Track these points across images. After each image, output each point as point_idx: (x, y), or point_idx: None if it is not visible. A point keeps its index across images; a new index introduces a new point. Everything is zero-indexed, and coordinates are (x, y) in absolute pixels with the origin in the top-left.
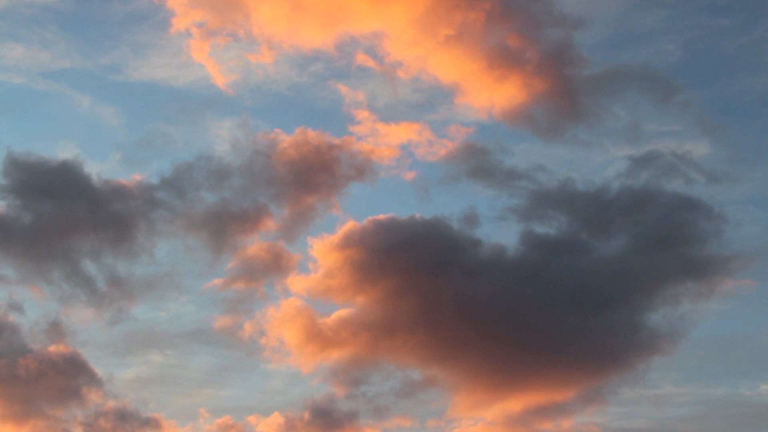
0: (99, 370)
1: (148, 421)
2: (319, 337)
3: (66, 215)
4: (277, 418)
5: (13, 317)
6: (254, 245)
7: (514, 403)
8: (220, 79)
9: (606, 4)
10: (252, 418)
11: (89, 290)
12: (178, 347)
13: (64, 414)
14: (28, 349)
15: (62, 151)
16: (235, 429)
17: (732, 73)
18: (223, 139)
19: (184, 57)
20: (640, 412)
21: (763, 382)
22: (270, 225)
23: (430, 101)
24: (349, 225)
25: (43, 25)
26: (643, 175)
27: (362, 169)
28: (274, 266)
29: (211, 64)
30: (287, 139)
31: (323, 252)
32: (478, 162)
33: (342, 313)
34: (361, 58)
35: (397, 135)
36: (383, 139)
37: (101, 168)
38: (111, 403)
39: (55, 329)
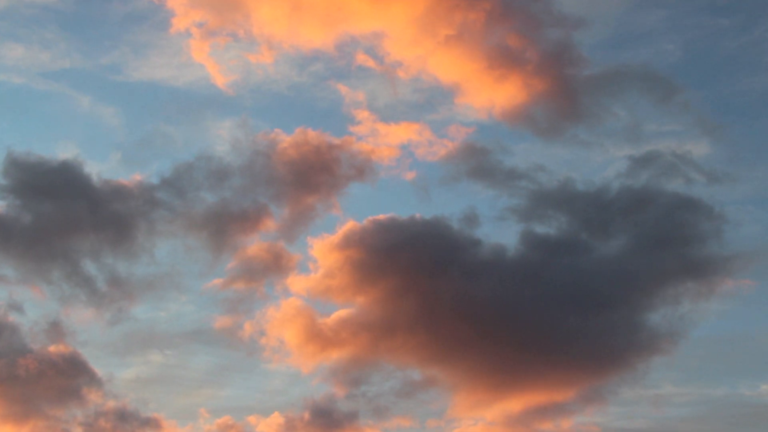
0: (99, 370)
1: (148, 421)
2: (319, 337)
3: (66, 215)
4: (277, 418)
5: (13, 317)
6: (254, 245)
7: (514, 403)
8: (220, 79)
9: (606, 4)
10: (252, 418)
11: (89, 290)
12: (178, 347)
13: (64, 414)
14: (28, 349)
15: (62, 151)
16: (235, 429)
17: (732, 73)
18: (223, 139)
19: (184, 57)
20: (640, 412)
21: (763, 382)
22: (270, 225)
23: (430, 101)
24: (349, 225)
25: (43, 25)
26: (643, 175)
27: (362, 169)
28: (274, 266)
29: (211, 64)
30: (287, 139)
31: (323, 252)
32: (478, 162)
33: (342, 313)
34: (361, 58)
35: (397, 135)
36: (383, 139)
37: (101, 168)
38: (111, 403)
39: (55, 329)
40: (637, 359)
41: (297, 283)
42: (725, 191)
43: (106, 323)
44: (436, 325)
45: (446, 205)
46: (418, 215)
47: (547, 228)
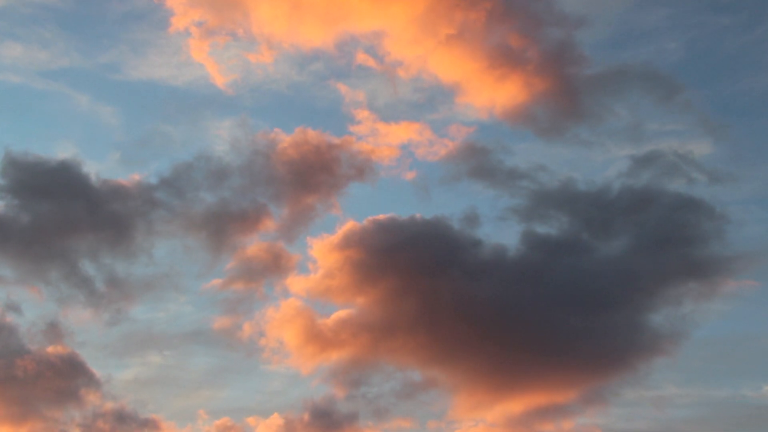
0: (97, 371)
1: (147, 423)
2: (318, 338)
3: (64, 215)
4: (276, 420)
5: (10, 318)
6: (253, 245)
7: (515, 405)
8: (220, 78)
9: (607, 3)
10: (251, 420)
11: (87, 291)
12: (176, 348)
13: (62, 415)
14: (26, 350)
15: (61, 151)
16: (234, 430)
17: (734, 73)
18: (222, 138)
19: (183, 56)
20: (641, 414)
21: (765, 383)
22: (269, 225)
23: (430, 101)
24: (349, 225)
25: (42, 24)
26: (644, 174)
27: (362, 169)
28: (274, 266)
29: (210, 64)
30: (287, 139)
31: (323, 252)
32: (478, 162)
33: (342, 313)
34: (362, 58)
35: (398, 135)
36: (383, 139)
37: (100, 168)
38: (109, 405)
39: (53, 330)
40: (639, 360)
41: (296, 283)
42: (727, 191)
43: (104, 324)
44: (436, 326)
45: (447, 205)
46: (418, 215)
47: (548, 228)
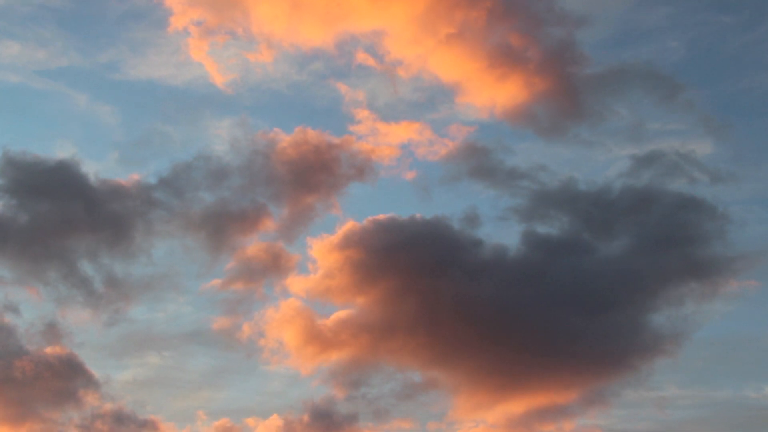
0: (96, 372)
1: (146, 424)
2: (318, 339)
3: (63, 215)
4: (275, 421)
5: (8, 318)
6: (253, 245)
7: (516, 405)
8: (219, 78)
9: (608, 3)
10: (250, 421)
11: (86, 291)
12: (175, 349)
13: (60, 416)
14: (24, 351)
15: (59, 151)
16: (233, 431)
17: (736, 72)
18: (221, 138)
19: (182, 55)
20: (643, 415)
21: (767, 384)
22: (269, 225)
23: (430, 100)
24: (349, 225)
25: (40, 22)
26: (646, 174)
27: (362, 168)
28: (273, 267)
29: (209, 63)
30: (286, 139)
31: (323, 252)
32: (479, 161)
33: (342, 314)
34: (361, 57)
35: (398, 134)
36: (383, 139)
37: (98, 167)
38: (108, 406)
39: (52, 330)
40: (640, 361)
41: (296, 283)
42: (729, 191)
43: (103, 324)
44: (436, 327)
45: (447, 205)
46: (418, 215)
47: (549, 228)
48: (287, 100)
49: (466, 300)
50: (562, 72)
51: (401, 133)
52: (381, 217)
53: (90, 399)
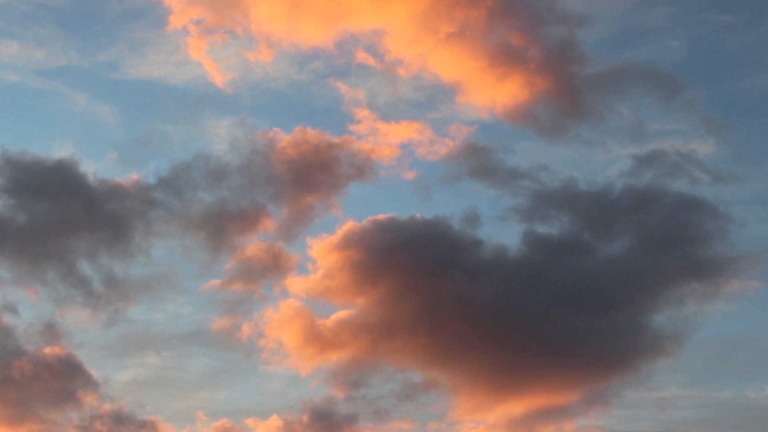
0: (95, 373)
1: (145, 424)
2: (318, 339)
3: (62, 215)
4: (275, 421)
5: (7, 318)
6: (253, 245)
7: (516, 406)
8: (218, 77)
9: (609, 2)
10: (250, 421)
11: (85, 291)
12: (175, 349)
13: (59, 417)
14: (23, 351)
15: (58, 150)
16: None
17: (737, 71)
18: (221, 138)
19: (181, 55)
20: (644, 415)
21: None
22: (269, 225)
23: (431, 100)
24: (349, 225)
25: (39, 22)
26: (647, 174)
27: (362, 168)
28: (273, 267)
29: (209, 62)
30: (286, 138)
31: (322, 252)
32: (479, 161)
33: (341, 314)
34: (361, 56)
35: (398, 134)
36: (383, 138)
37: (97, 167)
38: (107, 406)
39: (50, 331)
40: (641, 361)
41: (296, 283)
42: (730, 191)
43: (102, 325)
44: (436, 327)
45: (447, 205)
46: (418, 215)
47: (549, 228)
48: (287, 99)
49: (467, 300)
50: (562, 71)
51: (401, 132)
52: (381, 217)
53: (89, 399)
